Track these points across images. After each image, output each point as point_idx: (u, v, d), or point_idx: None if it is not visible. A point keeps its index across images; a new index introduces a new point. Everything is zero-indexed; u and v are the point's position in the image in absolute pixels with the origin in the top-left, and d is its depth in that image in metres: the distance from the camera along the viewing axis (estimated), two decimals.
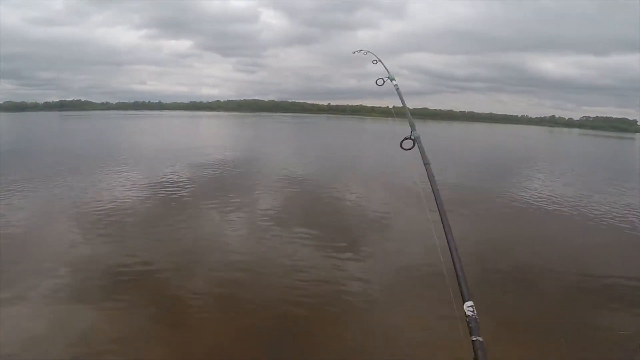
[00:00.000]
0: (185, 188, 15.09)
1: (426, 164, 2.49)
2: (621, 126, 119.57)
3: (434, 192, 2.20)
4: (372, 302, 7.20)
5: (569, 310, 7.07)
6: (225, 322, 6.44)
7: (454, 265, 1.57)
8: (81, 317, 6.22)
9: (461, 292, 1.47)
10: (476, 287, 7.79)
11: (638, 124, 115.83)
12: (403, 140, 2.60)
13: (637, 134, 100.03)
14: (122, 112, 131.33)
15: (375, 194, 15.69)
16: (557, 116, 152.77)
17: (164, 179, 16.41)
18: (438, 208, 2.00)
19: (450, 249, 1.68)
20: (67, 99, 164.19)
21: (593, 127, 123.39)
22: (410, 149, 2.57)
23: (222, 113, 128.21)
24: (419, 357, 5.74)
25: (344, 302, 7.14)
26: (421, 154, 2.57)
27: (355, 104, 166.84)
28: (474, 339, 1.30)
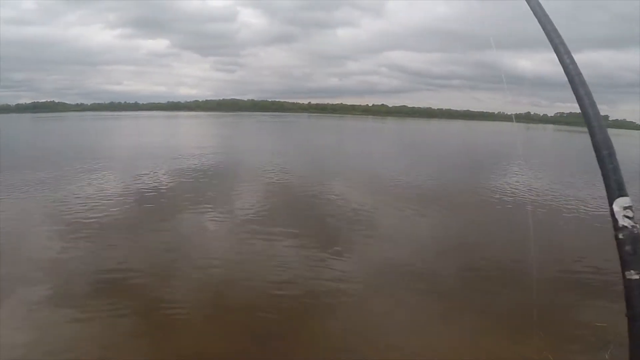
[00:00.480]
0: (163, 190, 14.64)
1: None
2: None
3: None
4: (358, 296, 7.10)
5: (546, 302, 7.13)
6: (210, 323, 6.22)
7: None
8: (62, 324, 5.93)
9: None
10: (454, 282, 7.87)
11: (610, 119, 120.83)
12: None
13: (609, 129, 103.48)
14: (97, 113, 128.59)
15: (356, 191, 15.61)
16: (532, 112, 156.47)
17: (141, 182, 15.90)
18: None
19: None
20: (40, 101, 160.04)
21: (567, 123, 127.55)
22: None
23: (200, 113, 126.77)
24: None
25: (329, 297, 7.01)
26: None
27: (336, 102, 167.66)
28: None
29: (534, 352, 5.59)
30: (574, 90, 1.56)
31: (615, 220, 1.19)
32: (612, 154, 1.36)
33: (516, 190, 16.29)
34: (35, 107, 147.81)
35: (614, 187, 1.26)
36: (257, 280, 7.68)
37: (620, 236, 1.16)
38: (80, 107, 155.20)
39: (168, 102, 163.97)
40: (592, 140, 1.43)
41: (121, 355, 5.35)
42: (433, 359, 5.52)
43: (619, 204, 1.21)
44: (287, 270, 8.13)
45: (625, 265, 1.14)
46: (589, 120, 1.46)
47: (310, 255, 8.91)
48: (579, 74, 1.56)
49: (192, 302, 6.87)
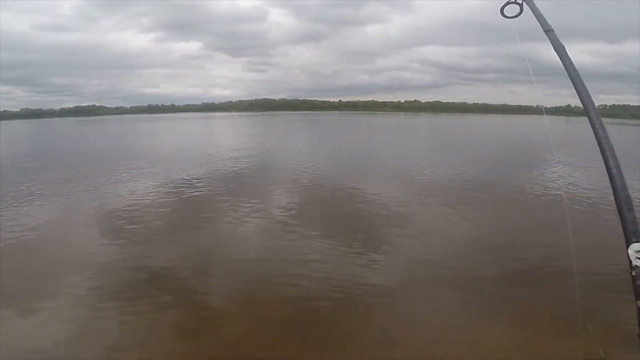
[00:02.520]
0: (202, 189, 15.13)
1: (548, 30, 1.99)
2: (639, 113, 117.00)
3: (571, 78, 1.83)
4: (394, 294, 7.13)
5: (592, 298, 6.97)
6: (249, 319, 6.39)
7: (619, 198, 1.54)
8: (108, 320, 6.25)
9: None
10: (493, 278, 7.72)
11: None
12: (505, 5, 2.10)
13: None
14: (136, 115, 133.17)
15: (392, 189, 15.51)
16: (572, 105, 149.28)
17: (181, 181, 16.44)
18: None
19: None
20: (82, 105, 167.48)
21: (610, 115, 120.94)
22: (516, 16, 2.11)
23: (234, 113, 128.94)
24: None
25: (367, 294, 7.12)
26: (538, 19, 2.03)
27: (367, 99, 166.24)
28: None
29: (581, 346, 5.47)
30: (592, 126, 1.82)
31: (630, 261, 1.43)
32: (628, 196, 1.54)
33: (553, 185, 15.88)
34: (78, 111, 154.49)
35: (631, 234, 1.46)
36: (292, 277, 7.76)
37: (634, 273, 1.41)
38: (120, 110, 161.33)
39: (203, 103, 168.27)
40: (611, 185, 1.61)
41: (162, 349, 5.57)
42: (476, 354, 5.57)
43: (633, 249, 1.43)
44: (322, 268, 8.17)
45: (638, 296, 1.37)
46: (608, 163, 1.66)
47: (345, 253, 8.93)
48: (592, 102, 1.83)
49: (230, 298, 7.07)
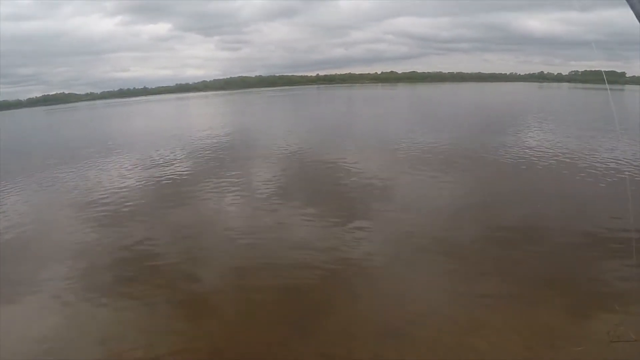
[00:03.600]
0: (183, 171, 14.80)
1: None
2: (610, 78, 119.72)
3: None
4: (381, 267, 7.20)
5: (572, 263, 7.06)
6: (240, 298, 6.42)
7: None
8: (99, 310, 6.14)
9: None
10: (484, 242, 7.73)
11: (627, 75, 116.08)
12: None
13: (627, 85, 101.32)
14: (107, 101, 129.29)
15: (374, 160, 15.39)
16: (545, 72, 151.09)
17: (160, 164, 16.09)
18: None
19: None
20: (50, 93, 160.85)
21: (582, 81, 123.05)
22: None
23: (209, 93, 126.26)
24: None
25: (355, 268, 7.13)
26: None
27: (344, 72, 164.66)
28: None
29: (609, 328, 5.34)
30: None
31: None
32: None
33: (534, 149, 15.97)
34: (47, 100, 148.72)
35: None
36: (280, 253, 7.79)
37: None
38: (91, 97, 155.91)
39: (176, 84, 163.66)
40: None
41: (157, 336, 5.50)
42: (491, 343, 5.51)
43: None
44: (310, 242, 8.20)
45: None
46: None
47: (330, 226, 8.94)
48: None
49: (220, 277, 7.03)
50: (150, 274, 7.28)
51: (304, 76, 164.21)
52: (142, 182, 13.53)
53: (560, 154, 14.59)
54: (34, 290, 6.83)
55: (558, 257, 7.42)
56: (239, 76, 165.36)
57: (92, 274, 7.34)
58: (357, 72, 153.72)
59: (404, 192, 11.15)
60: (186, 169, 15.01)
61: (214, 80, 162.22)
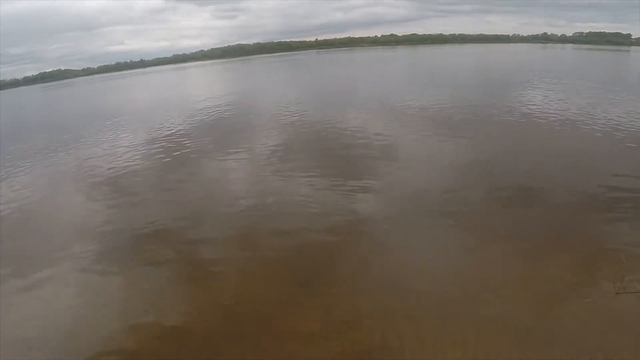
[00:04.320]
0: (187, 139, 14.82)
1: None
2: (615, 40, 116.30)
3: None
4: (386, 226, 7.30)
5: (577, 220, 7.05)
6: (248, 261, 6.54)
7: None
8: (111, 278, 6.32)
9: None
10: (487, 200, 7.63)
11: (632, 37, 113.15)
12: None
13: (632, 46, 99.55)
14: (105, 75, 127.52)
15: (376, 121, 15.15)
16: (549, 33, 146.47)
17: (164, 133, 16.05)
18: None
19: None
20: (47, 71, 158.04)
21: (587, 42, 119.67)
22: None
23: (207, 62, 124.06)
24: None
25: (361, 227, 7.23)
26: None
27: (343, 36, 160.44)
28: None
29: (615, 280, 5.54)
30: None
31: None
32: None
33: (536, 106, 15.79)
34: (43, 78, 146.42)
35: None
36: (286, 214, 7.96)
37: None
38: (88, 71, 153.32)
39: (173, 55, 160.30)
40: None
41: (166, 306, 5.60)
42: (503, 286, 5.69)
43: None
44: (314, 203, 8.33)
45: None
46: None
47: (335, 187, 9.03)
48: None
49: (227, 240, 7.19)
50: (159, 239, 7.43)
51: (303, 41, 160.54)
52: (149, 152, 13.58)
53: (566, 113, 14.38)
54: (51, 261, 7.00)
55: (563, 215, 7.51)
56: (237, 44, 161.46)
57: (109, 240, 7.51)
58: (356, 36, 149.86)
59: (408, 153, 11.18)
60: (189, 136, 15.09)
61: (212, 49, 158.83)
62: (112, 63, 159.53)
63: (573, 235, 6.85)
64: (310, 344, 4.96)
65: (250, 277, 6.08)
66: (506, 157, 10.52)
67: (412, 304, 5.51)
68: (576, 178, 8.89)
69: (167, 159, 12.50)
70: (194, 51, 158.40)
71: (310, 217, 7.69)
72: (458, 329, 5.06)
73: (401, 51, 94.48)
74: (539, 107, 15.65)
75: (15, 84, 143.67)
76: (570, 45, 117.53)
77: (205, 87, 37.81)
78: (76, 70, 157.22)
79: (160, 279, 6.22)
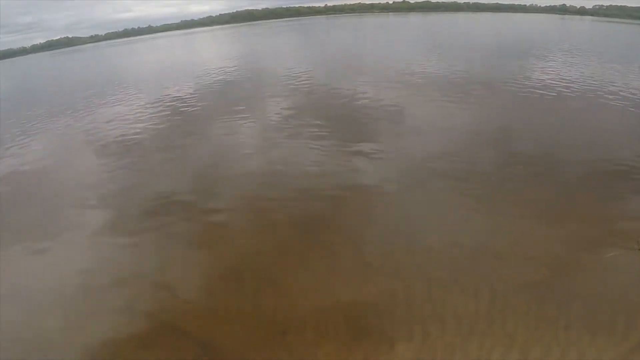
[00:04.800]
0: (195, 104, 14.60)
1: None
2: (637, 14, 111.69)
3: None
4: (395, 188, 7.22)
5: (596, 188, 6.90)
6: (255, 224, 6.49)
7: None
8: (122, 247, 6.23)
9: None
10: (498, 169, 7.30)
11: None
12: None
13: None
14: (112, 41, 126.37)
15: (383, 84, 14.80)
16: (568, 4, 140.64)
17: (171, 98, 15.88)
18: None
19: None
20: (54, 39, 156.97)
21: (606, 15, 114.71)
22: None
23: (215, 27, 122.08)
24: None
25: (364, 191, 7.16)
26: None
27: (354, 2, 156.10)
28: None
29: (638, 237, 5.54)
30: None
31: None
32: None
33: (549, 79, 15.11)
34: (51, 45, 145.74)
35: None
36: (295, 177, 7.86)
37: None
38: (95, 39, 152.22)
39: (181, 21, 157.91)
40: None
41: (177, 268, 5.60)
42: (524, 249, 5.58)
43: None
44: (324, 166, 8.22)
45: None
46: None
47: (344, 151, 8.87)
48: None
49: (236, 203, 7.10)
50: (168, 204, 7.39)
51: (312, 7, 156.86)
52: (159, 117, 13.40)
53: (584, 84, 13.88)
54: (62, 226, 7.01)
55: (582, 183, 7.34)
56: (245, 10, 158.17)
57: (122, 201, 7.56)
58: (367, 2, 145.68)
59: (420, 119, 10.89)
60: (200, 102, 14.84)
61: (220, 14, 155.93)
62: (120, 30, 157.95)
63: (592, 200, 6.76)
64: (315, 295, 5.04)
65: (257, 240, 6.09)
66: (522, 126, 10.21)
67: (419, 251, 5.57)
68: (595, 149, 8.66)
69: (174, 123, 12.45)
70: (202, 17, 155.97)
71: (319, 178, 7.67)
72: (470, 282, 5.04)
73: (413, 18, 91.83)
74: (557, 79, 15.14)
75: (23, 52, 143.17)
76: (589, 17, 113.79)
77: (213, 53, 37.30)
78: (83, 37, 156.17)
79: (172, 241, 6.24)
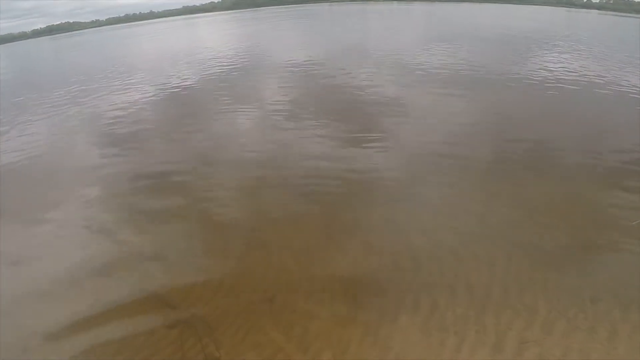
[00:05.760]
0: (195, 90, 14.50)
1: None
2: None
3: None
4: (395, 177, 7.08)
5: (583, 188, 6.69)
6: (254, 213, 6.27)
7: None
8: (121, 235, 5.98)
9: None
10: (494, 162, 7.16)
11: None
12: None
13: None
14: (113, 26, 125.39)
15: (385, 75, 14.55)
16: None
17: (171, 84, 15.68)
18: None
19: None
20: (55, 24, 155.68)
21: (613, 9, 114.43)
22: None
23: (217, 13, 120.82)
24: None
25: (367, 181, 6.97)
26: None
27: None
28: None
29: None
30: None
31: None
32: None
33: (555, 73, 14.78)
34: (52, 30, 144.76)
35: None
36: (294, 166, 7.66)
37: None
38: (96, 24, 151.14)
39: (183, 6, 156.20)
40: None
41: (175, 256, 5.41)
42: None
43: None
44: (326, 155, 8.03)
45: None
46: None
47: (346, 140, 8.71)
48: None
49: (236, 195, 6.85)
50: (168, 188, 7.25)
51: None
52: (159, 103, 13.28)
53: (589, 77, 13.66)
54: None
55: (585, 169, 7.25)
56: None
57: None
58: None
59: (420, 108, 10.79)
60: (200, 88, 14.70)
61: (223, 0, 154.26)
62: (121, 15, 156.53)
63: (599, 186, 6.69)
64: (308, 261, 4.96)
65: (256, 227, 5.91)
66: (523, 119, 9.99)
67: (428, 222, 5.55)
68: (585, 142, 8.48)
69: (176, 110, 12.29)
70: (204, 2, 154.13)
71: (321, 165, 7.55)
72: (482, 250, 4.99)
73: (418, 5, 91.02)
74: (561, 71, 14.89)
75: (23, 36, 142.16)
76: (596, 11, 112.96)
77: (215, 38, 36.91)
78: (84, 22, 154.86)
79: (171, 227, 6.06)
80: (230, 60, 20.44)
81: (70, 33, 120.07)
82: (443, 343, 3.82)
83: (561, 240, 5.14)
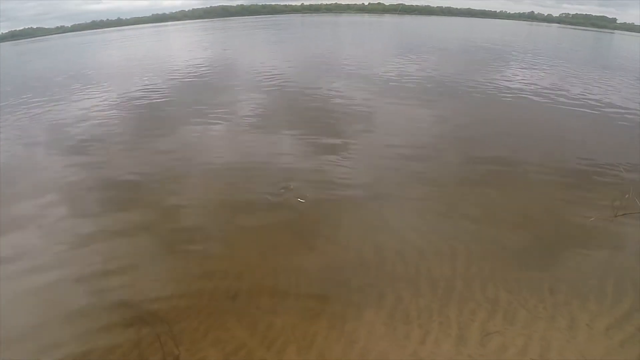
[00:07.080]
0: (162, 100, 14.03)
1: None
2: (600, 23, 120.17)
3: None
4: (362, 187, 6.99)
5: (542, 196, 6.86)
6: (224, 226, 5.96)
7: None
8: (90, 244, 5.66)
9: None
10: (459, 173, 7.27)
11: (617, 22, 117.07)
12: None
13: (617, 30, 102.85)
14: (78, 33, 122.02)
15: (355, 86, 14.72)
16: (536, 12, 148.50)
17: (138, 93, 15.20)
18: None
19: None
20: (18, 29, 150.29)
21: (572, 23, 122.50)
22: None
23: (187, 22, 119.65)
24: None
25: (333, 189, 6.87)
26: None
27: (330, 2, 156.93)
28: None
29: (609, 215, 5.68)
30: None
31: None
32: None
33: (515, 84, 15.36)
34: (14, 36, 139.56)
35: None
36: (264, 176, 7.43)
37: None
38: (61, 30, 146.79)
39: (152, 14, 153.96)
40: None
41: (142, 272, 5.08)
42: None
43: None
44: (293, 163, 7.92)
45: None
46: None
47: (314, 150, 8.62)
48: None
49: (205, 205, 6.57)
50: (138, 195, 7.01)
51: (288, 5, 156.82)
52: (124, 112, 12.81)
53: (548, 89, 14.30)
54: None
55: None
56: (219, 5, 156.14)
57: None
58: (343, 3, 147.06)
59: (386, 117, 10.92)
60: (168, 98, 14.30)
61: (193, 9, 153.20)
62: (88, 21, 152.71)
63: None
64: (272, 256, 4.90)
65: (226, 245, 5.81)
66: (487, 131, 10.05)
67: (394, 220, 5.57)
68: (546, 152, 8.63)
69: (140, 120, 11.92)
70: (174, 11, 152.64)
71: (291, 176, 7.39)
72: (444, 245, 5.08)
73: (387, 18, 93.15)
74: (523, 83, 15.47)
75: None
76: (556, 25, 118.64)
77: (183, 48, 36.44)
78: (49, 28, 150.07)
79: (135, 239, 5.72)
80: (197, 71, 20.22)
81: (33, 39, 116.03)
82: (408, 336, 3.83)
83: (521, 237, 5.29)
